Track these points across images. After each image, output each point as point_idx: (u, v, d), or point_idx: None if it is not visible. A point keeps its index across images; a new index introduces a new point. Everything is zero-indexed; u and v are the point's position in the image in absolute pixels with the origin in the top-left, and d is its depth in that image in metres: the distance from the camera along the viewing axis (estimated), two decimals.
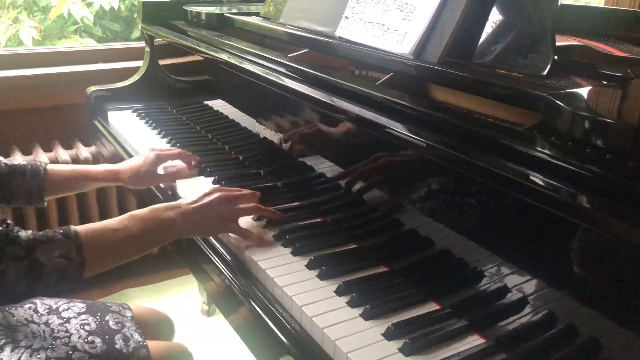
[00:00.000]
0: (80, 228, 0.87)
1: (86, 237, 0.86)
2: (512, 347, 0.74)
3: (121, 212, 2.15)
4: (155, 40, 1.83)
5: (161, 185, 1.31)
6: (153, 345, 1.09)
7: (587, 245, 0.67)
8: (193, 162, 1.34)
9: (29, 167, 1.17)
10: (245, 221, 1.07)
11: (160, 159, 1.30)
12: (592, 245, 0.66)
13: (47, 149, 2.07)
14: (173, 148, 1.44)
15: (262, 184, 1.26)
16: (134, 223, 0.92)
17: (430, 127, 0.84)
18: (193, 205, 0.99)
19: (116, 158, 1.60)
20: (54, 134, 2.13)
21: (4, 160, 1.16)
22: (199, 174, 1.32)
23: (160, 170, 1.30)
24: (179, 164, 1.34)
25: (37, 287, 0.83)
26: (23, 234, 0.83)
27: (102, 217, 2.14)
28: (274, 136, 1.24)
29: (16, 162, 1.18)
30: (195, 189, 1.15)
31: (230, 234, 1.02)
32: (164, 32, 1.72)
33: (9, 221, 0.83)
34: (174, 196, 1.25)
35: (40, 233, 0.84)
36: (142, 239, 0.93)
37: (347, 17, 1.16)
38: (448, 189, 0.86)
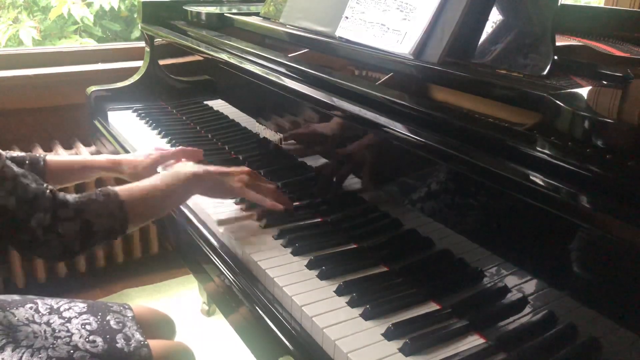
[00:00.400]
0: (118, 188, 0.95)
1: (124, 196, 0.94)
2: (512, 347, 0.74)
3: None
4: (155, 40, 1.83)
5: None
6: (154, 344, 1.09)
7: (587, 245, 0.67)
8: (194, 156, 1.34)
9: (28, 158, 1.17)
10: (244, 221, 1.07)
11: (162, 158, 1.30)
12: (592, 245, 0.66)
13: (47, 149, 2.07)
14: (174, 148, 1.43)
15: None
16: (163, 180, 1.02)
17: (430, 127, 0.84)
18: (218, 169, 1.09)
19: None
20: (54, 134, 2.13)
21: (2, 153, 1.16)
22: None
23: (159, 169, 1.30)
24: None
25: (89, 244, 0.91)
26: (69, 197, 0.90)
27: None
28: (274, 136, 1.24)
29: (15, 154, 1.17)
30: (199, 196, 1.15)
31: (232, 237, 1.03)
32: (164, 32, 1.72)
33: (51, 186, 0.89)
34: None
35: (85, 194, 0.92)
36: (172, 192, 1.02)
37: (347, 17, 1.16)
38: (448, 189, 0.86)
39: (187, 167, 1.07)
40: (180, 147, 1.37)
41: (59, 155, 1.29)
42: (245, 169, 1.12)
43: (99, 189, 0.94)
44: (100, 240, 0.92)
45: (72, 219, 0.88)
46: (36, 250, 0.89)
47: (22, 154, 1.18)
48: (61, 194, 0.89)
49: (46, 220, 0.86)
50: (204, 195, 1.09)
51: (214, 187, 1.07)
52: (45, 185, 0.89)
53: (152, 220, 1.03)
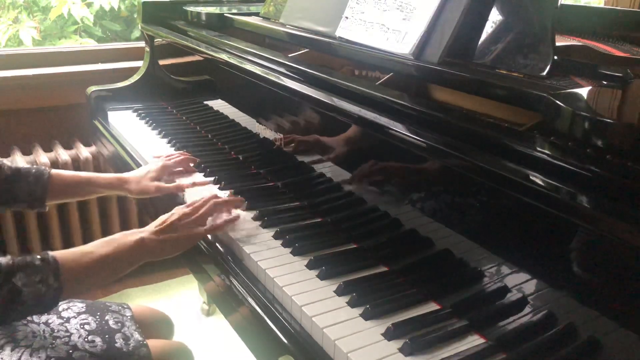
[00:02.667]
0: (57, 253, 0.88)
1: (63, 263, 0.86)
2: (512, 347, 0.74)
3: (122, 218, 2.17)
4: (155, 40, 1.83)
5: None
6: (153, 344, 1.09)
7: (587, 245, 0.67)
8: (192, 164, 1.34)
9: (33, 171, 1.17)
10: (243, 220, 1.07)
11: (166, 168, 1.30)
12: (592, 245, 0.66)
13: (47, 149, 2.07)
14: (176, 152, 1.42)
15: (262, 184, 1.26)
16: (107, 247, 0.93)
17: (430, 127, 0.84)
18: (162, 225, 1.00)
19: (116, 158, 1.60)
20: (54, 134, 2.13)
21: (8, 164, 1.16)
22: (204, 177, 1.32)
23: (164, 180, 1.29)
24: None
25: (12, 313, 0.83)
26: (2, 259, 0.82)
27: (103, 223, 2.15)
28: (274, 136, 1.24)
29: (20, 166, 1.18)
30: (202, 194, 1.15)
31: (232, 237, 1.02)
32: (164, 32, 1.72)
33: None
34: (182, 202, 1.24)
35: (19, 258, 0.84)
36: (115, 262, 0.94)
37: (347, 17, 1.16)
38: (448, 189, 0.86)
39: (131, 234, 0.97)
40: (180, 155, 1.36)
41: (64, 171, 1.26)
42: (181, 208, 1.04)
43: (39, 253, 0.86)
44: (27, 310, 0.84)
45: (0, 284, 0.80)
46: None
47: (28, 166, 1.19)
48: None
49: None
50: (161, 257, 1.00)
51: (166, 249, 0.99)
52: None
53: (93, 289, 0.95)
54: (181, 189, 1.26)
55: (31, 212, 1.92)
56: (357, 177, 1.03)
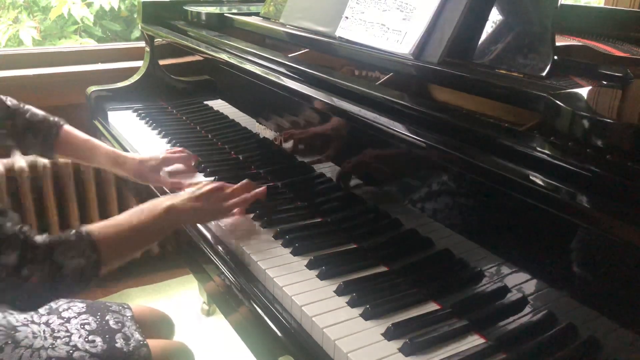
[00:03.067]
0: (92, 227, 0.89)
1: (99, 235, 0.88)
2: (512, 347, 0.74)
3: (121, 208, 2.17)
4: (155, 40, 1.83)
5: (165, 189, 1.30)
6: (153, 344, 1.09)
7: (587, 245, 0.67)
8: (192, 163, 1.34)
9: (46, 121, 1.25)
10: (242, 221, 1.07)
11: (167, 160, 1.30)
12: (592, 245, 0.66)
13: None
14: (179, 148, 1.41)
15: (262, 184, 1.25)
16: (138, 216, 0.96)
17: (430, 127, 0.84)
18: (192, 194, 1.04)
19: None
20: None
21: (23, 109, 1.24)
22: (204, 177, 1.32)
23: (163, 172, 1.29)
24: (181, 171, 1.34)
25: (59, 289, 0.84)
26: (39, 238, 0.84)
27: (101, 213, 2.14)
28: (274, 136, 1.24)
29: (35, 111, 1.26)
30: None
31: (232, 237, 1.03)
32: (164, 32, 1.72)
33: (25, 227, 0.83)
34: None
35: (55, 236, 0.85)
36: (148, 229, 0.97)
37: (347, 17, 1.16)
38: (448, 189, 0.86)
39: (162, 200, 1.00)
40: (184, 152, 1.36)
41: (75, 130, 1.31)
42: (213, 185, 1.07)
43: (73, 229, 0.88)
44: (71, 285, 0.85)
45: (40, 261, 0.81)
46: None
47: (42, 113, 1.27)
48: (31, 234, 0.83)
49: (11, 262, 0.79)
50: (188, 224, 1.10)
51: (194, 217, 1.06)
52: (20, 226, 0.82)
53: (131, 257, 0.96)
54: (178, 186, 1.26)
55: (31, 197, 1.98)
56: (357, 177, 1.03)
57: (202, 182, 1.11)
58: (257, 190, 1.11)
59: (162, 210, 0.97)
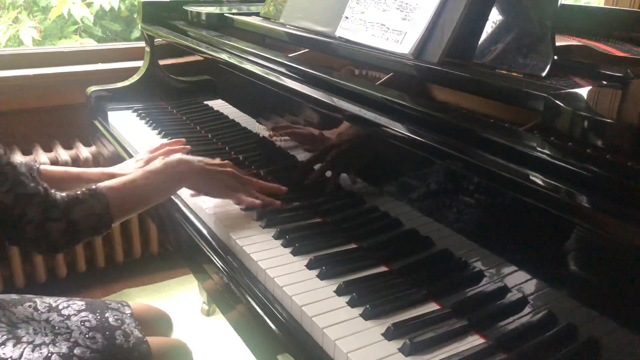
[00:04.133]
0: (105, 187, 0.98)
1: (111, 194, 0.97)
2: (512, 347, 0.74)
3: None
4: (155, 40, 1.83)
5: None
6: (153, 341, 1.10)
7: (587, 245, 0.67)
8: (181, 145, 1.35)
9: (23, 164, 1.16)
10: (244, 220, 1.08)
11: (151, 159, 1.29)
12: (592, 245, 0.66)
13: (47, 149, 2.07)
14: (163, 143, 1.39)
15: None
16: (149, 176, 1.04)
17: (430, 127, 0.84)
18: (205, 167, 1.09)
19: (116, 158, 1.60)
20: (54, 134, 2.13)
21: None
22: None
23: None
24: None
25: (73, 242, 0.94)
26: (58, 196, 0.93)
27: None
28: (273, 134, 1.24)
29: (9, 160, 1.17)
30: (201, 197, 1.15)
31: (232, 237, 1.03)
32: (164, 32, 1.72)
33: (46, 185, 0.93)
34: (176, 197, 1.24)
35: (72, 194, 0.94)
36: (156, 189, 1.05)
37: (347, 17, 1.16)
38: (448, 188, 0.86)
39: (175, 158, 1.08)
40: (165, 144, 1.36)
41: (52, 167, 1.28)
42: (228, 169, 1.12)
43: (87, 189, 0.96)
44: (84, 238, 0.96)
45: (59, 219, 0.91)
46: (21, 243, 0.93)
47: (18, 160, 1.18)
48: (53, 194, 0.93)
49: (37, 218, 0.89)
50: (192, 189, 1.12)
51: (201, 181, 1.09)
52: (41, 185, 0.92)
53: (138, 213, 1.07)
54: None
55: None
56: (357, 177, 1.03)
57: (216, 161, 1.14)
58: (272, 201, 1.11)
59: (172, 175, 1.05)
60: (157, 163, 1.08)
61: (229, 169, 1.12)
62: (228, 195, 1.10)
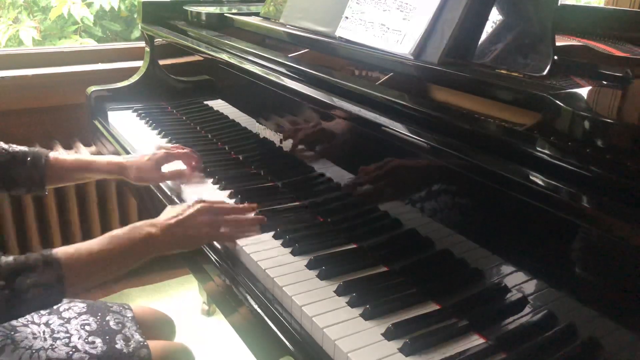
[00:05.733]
0: (61, 253, 0.85)
1: (67, 263, 0.84)
2: (512, 347, 0.74)
3: (120, 208, 2.17)
4: (155, 40, 1.83)
5: (166, 190, 1.29)
6: (154, 345, 1.09)
7: (587, 245, 0.67)
8: (194, 163, 1.31)
9: (31, 154, 1.16)
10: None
11: (167, 157, 1.28)
12: (592, 245, 0.66)
13: (47, 149, 2.05)
14: (180, 146, 1.39)
15: (262, 184, 1.26)
16: (113, 243, 0.90)
17: (430, 127, 0.84)
18: (174, 219, 0.96)
19: None
20: (54, 134, 2.13)
21: (5, 147, 1.15)
22: (206, 177, 1.31)
23: (164, 169, 1.29)
24: (182, 166, 1.32)
25: (17, 312, 0.82)
26: (4, 260, 0.81)
27: (101, 212, 2.14)
28: (274, 136, 1.24)
29: (18, 149, 1.16)
30: (201, 195, 1.15)
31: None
32: (164, 32, 1.72)
33: None
34: (180, 201, 1.24)
35: (22, 259, 0.82)
36: (122, 258, 0.91)
37: (347, 17, 1.16)
38: (448, 189, 0.86)
39: (141, 227, 0.94)
40: (186, 149, 1.33)
41: (62, 154, 1.23)
42: (201, 206, 1.00)
43: (41, 254, 0.84)
44: (31, 310, 0.84)
45: (1, 286, 0.79)
46: None
47: (25, 149, 1.17)
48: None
49: None
50: (169, 253, 0.98)
51: (175, 246, 0.97)
52: None
53: (100, 283, 0.93)
54: (177, 190, 1.25)
55: (31, 195, 1.91)
56: (356, 177, 1.03)
57: (186, 203, 1.03)
58: (255, 217, 1.04)
59: (140, 239, 0.92)
60: (124, 228, 0.94)
61: (198, 207, 1.00)
62: (212, 238, 1.01)
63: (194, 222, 0.97)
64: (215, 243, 1.05)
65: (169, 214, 0.98)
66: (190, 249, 1.01)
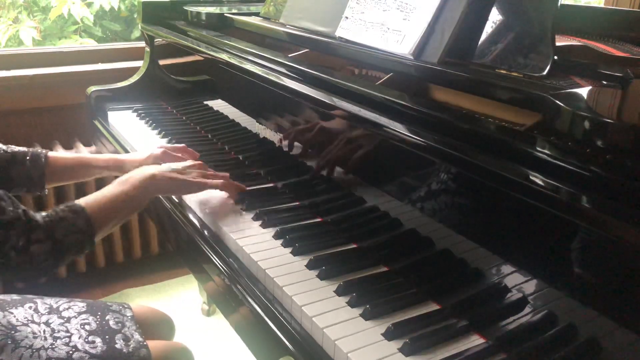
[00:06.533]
0: (83, 202, 0.96)
1: (91, 209, 0.96)
2: (512, 347, 0.74)
3: None
4: (155, 40, 1.83)
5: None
6: (153, 344, 1.09)
7: (587, 245, 0.67)
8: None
9: (30, 154, 1.17)
10: (244, 221, 1.08)
11: (166, 155, 1.29)
12: (592, 245, 0.66)
13: (47, 149, 2.06)
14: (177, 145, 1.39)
15: (262, 184, 1.26)
16: (123, 186, 1.03)
17: (430, 127, 0.84)
18: (171, 167, 1.13)
19: None
20: (54, 134, 2.13)
21: (3, 147, 1.16)
22: None
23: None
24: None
25: (61, 262, 0.93)
26: (39, 217, 0.91)
27: None
28: (274, 136, 1.24)
29: (17, 149, 1.17)
30: (201, 195, 1.16)
31: (233, 237, 1.03)
32: (164, 32, 1.72)
33: (24, 208, 0.90)
34: (180, 200, 1.24)
35: (51, 213, 0.92)
36: (133, 198, 1.03)
37: (347, 17, 1.16)
38: (448, 188, 0.86)
39: (143, 170, 1.08)
40: (182, 144, 1.35)
41: (61, 153, 1.27)
42: (197, 162, 1.18)
43: (65, 205, 0.94)
44: (69, 257, 0.93)
45: (43, 240, 0.89)
46: (7, 272, 0.90)
47: (24, 149, 1.18)
48: (33, 215, 0.90)
49: (20, 243, 0.87)
50: (165, 195, 1.18)
51: (172, 187, 1.11)
52: (20, 208, 0.90)
53: (117, 226, 1.08)
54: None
55: (31, 195, 1.92)
56: (357, 177, 1.03)
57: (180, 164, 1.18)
58: (237, 184, 1.17)
59: (145, 178, 1.05)
60: (130, 175, 1.07)
61: (190, 162, 1.18)
62: (201, 186, 1.12)
63: (189, 175, 1.12)
64: (215, 244, 1.05)
65: (168, 164, 1.15)
66: (183, 193, 1.17)
